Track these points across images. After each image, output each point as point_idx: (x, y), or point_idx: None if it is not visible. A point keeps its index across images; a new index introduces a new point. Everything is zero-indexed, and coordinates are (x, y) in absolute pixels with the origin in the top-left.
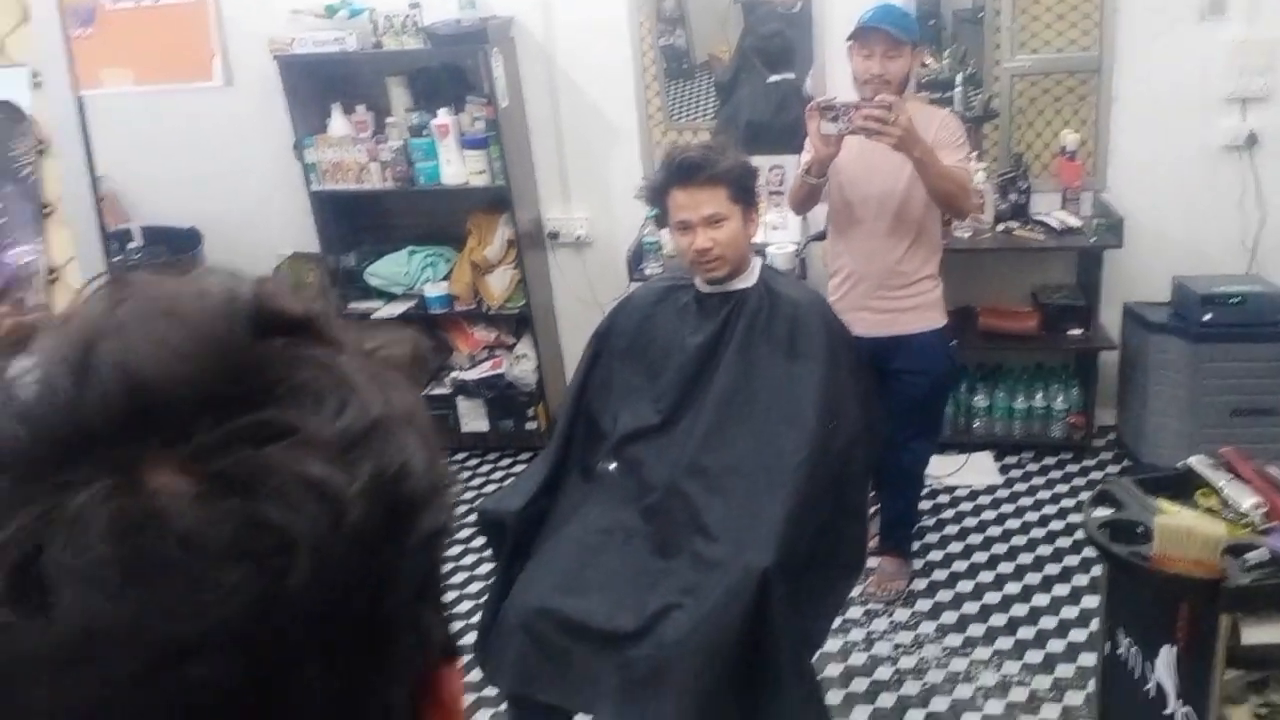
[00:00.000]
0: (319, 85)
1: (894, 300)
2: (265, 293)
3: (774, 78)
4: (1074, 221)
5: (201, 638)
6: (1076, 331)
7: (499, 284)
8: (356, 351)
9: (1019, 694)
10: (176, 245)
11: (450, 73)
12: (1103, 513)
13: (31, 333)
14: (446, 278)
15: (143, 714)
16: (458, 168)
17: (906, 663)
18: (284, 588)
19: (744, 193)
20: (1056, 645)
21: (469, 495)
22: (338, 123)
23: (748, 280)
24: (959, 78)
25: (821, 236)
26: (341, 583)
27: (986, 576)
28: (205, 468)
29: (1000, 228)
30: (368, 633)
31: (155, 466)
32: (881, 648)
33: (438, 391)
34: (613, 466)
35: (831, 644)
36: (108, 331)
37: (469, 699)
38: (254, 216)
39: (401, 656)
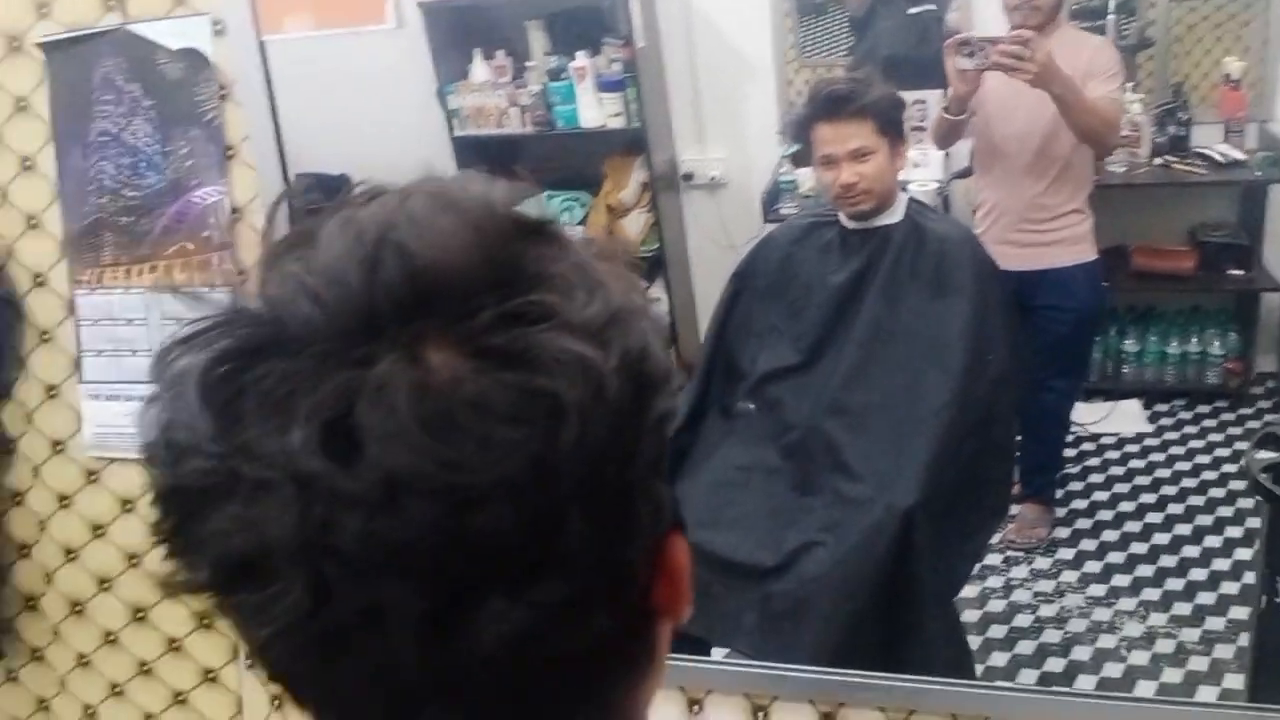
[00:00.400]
0: (460, 31)
1: (1038, 234)
2: (513, 199)
3: (914, 9)
4: (1238, 154)
5: (487, 489)
6: (1237, 272)
7: (633, 227)
8: (585, 253)
9: (1165, 645)
10: (330, 191)
11: (588, 14)
12: (1267, 455)
13: (318, 228)
14: (582, 222)
15: (435, 555)
16: (594, 111)
17: (1047, 611)
18: (555, 448)
19: (891, 125)
20: (1206, 598)
21: None
22: (479, 69)
23: (894, 215)
24: (1111, 4)
25: (966, 173)
26: (600, 448)
27: (1133, 526)
28: (481, 344)
29: (1157, 161)
30: (617, 496)
31: (437, 344)
32: (1021, 595)
33: None
34: (751, 406)
35: (969, 590)
36: (396, 224)
37: None
38: (399, 163)
39: (641, 520)
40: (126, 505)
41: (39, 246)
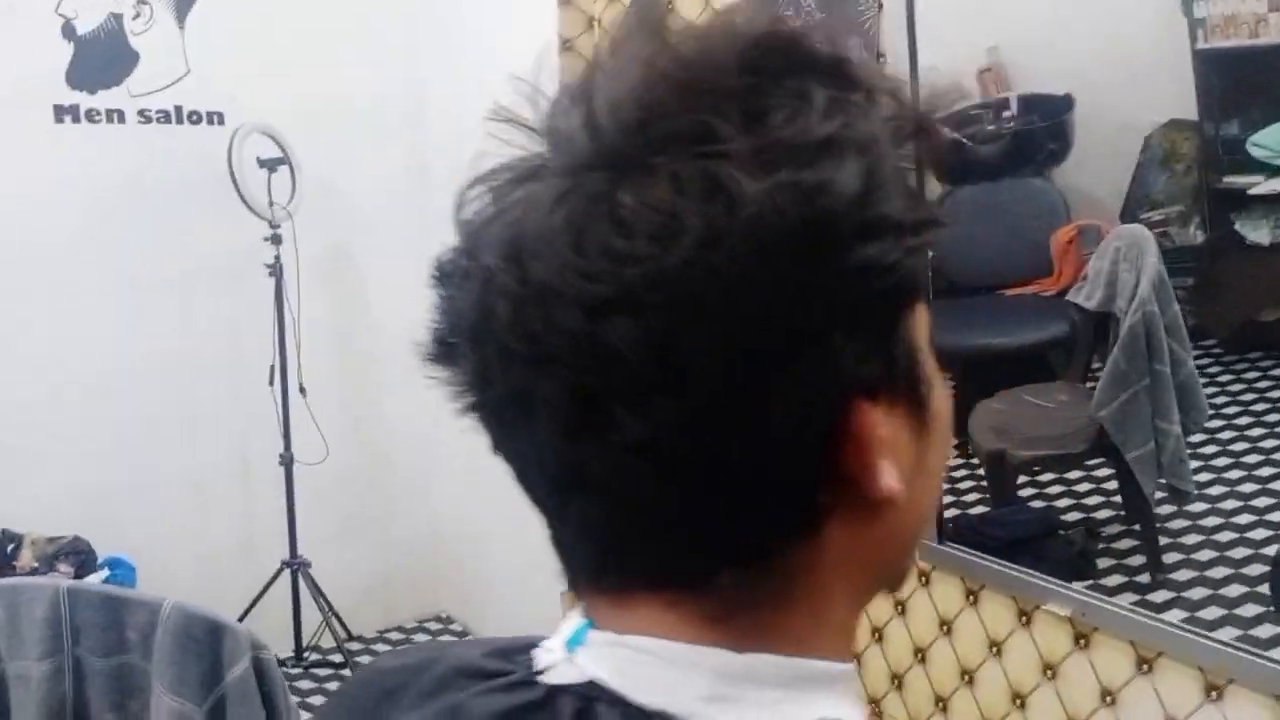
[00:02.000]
0: None
1: None
2: (775, 32)
3: None
4: None
5: (612, 299)
6: None
7: None
8: (872, 98)
9: None
10: (1049, 112)
11: None
12: None
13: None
14: None
15: (571, 356)
16: None
17: None
18: (667, 266)
19: None
20: None
21: None
22: None
23: None
24: None
25: None
26: (734, 273)
27: None
28: (643, 168)
29: None
30: (750, 328)
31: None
32: None
33: None
34: None
35: None
36: (605, 67)
37: None
38: (1130, 80)
39: (787, 363)
40: None
41: None
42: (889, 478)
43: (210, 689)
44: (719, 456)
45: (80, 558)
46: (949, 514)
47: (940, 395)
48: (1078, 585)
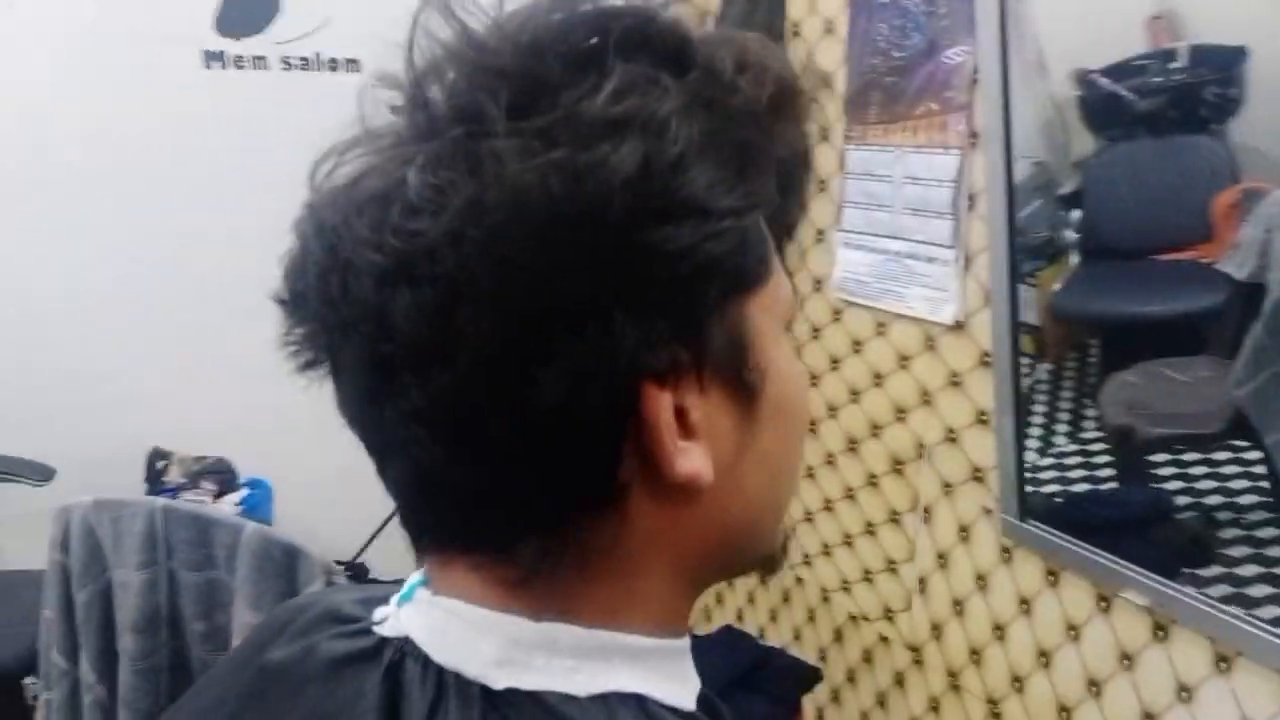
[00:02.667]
0: None
1: None
2: (634, 16)
3: None
4: None
5: (393, 269)
6: None
7: None
8: (711, 79)
9: None
10: (1220, 64)
11: None
12: None
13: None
14: None
15: (368, 321)
16: None
17: None
18: (435, 235)
19: None
20: None
21: None
22: None
23: None
24: None
25: None
26: (499, 249)
27: None
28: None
29: None
30: (515, 303)
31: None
32: None
33: None
34: None
35: None
36: (449, 44)
37: None
38: None
39: (566, 348)
40: (856, 346)
41: (827, 104)
42: (688, 462)
43: None
44: (493, 427)
45: (222, 477)
46: (1049, 489)
47: (785, 386)
48: (1160, 577)
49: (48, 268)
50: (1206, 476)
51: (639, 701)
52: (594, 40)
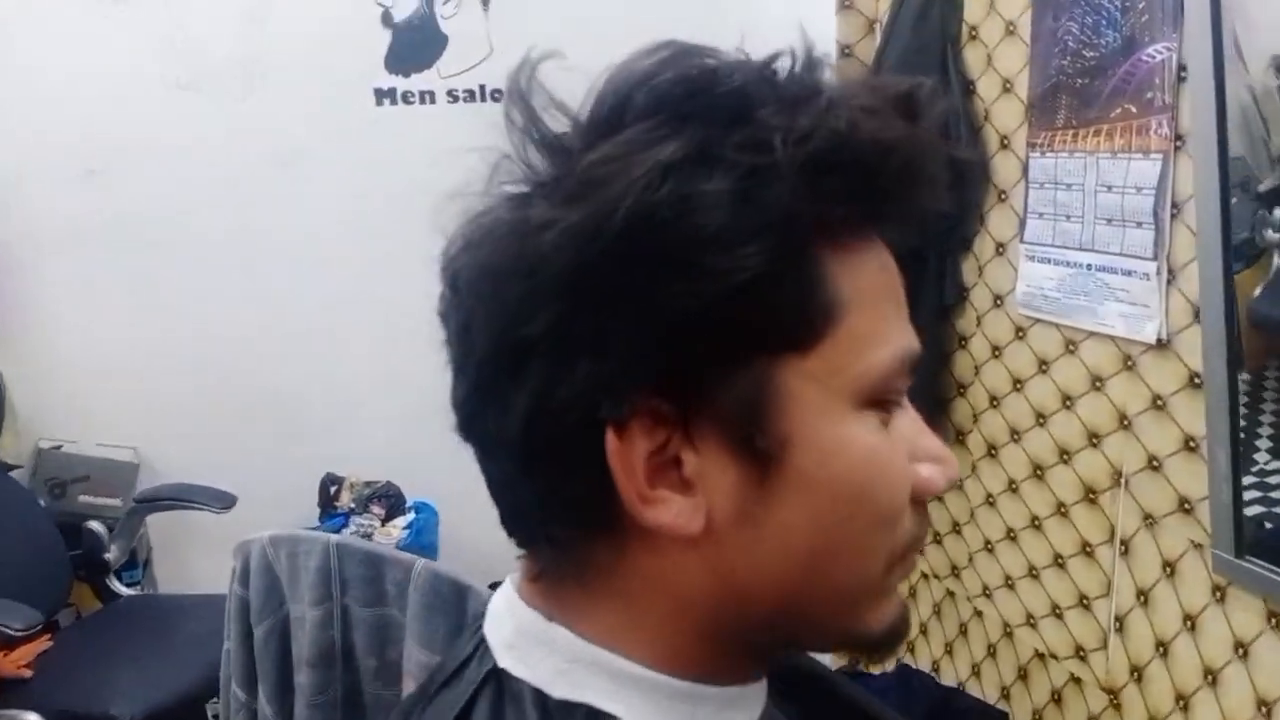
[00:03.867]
0: None
1: None
2: (681, 78)
3: None
4: None
5: (449, 283)
6: None
7: None
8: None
9: None
10: None
11: None
12: None
13: None
14: None
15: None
16: None
17: None
18: (465, 261)
19: None
20: None
21: None
22: None
23: None
24: None
25: None
26: (501, 284)
27: None
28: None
29: None
30: (503, 338)
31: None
32: None
33: None
34: None
35: None
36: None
37: None
38: None
39: (529, 382)
40: (1043, 365)
41: (1009, 109)
42: (660, 512)
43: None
44: (495, 434)
45: (391, 500)
46: (1252, 513)
47: (832, 465)
48: None
49: (225, 303)
50: None
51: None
52: (615, 104)
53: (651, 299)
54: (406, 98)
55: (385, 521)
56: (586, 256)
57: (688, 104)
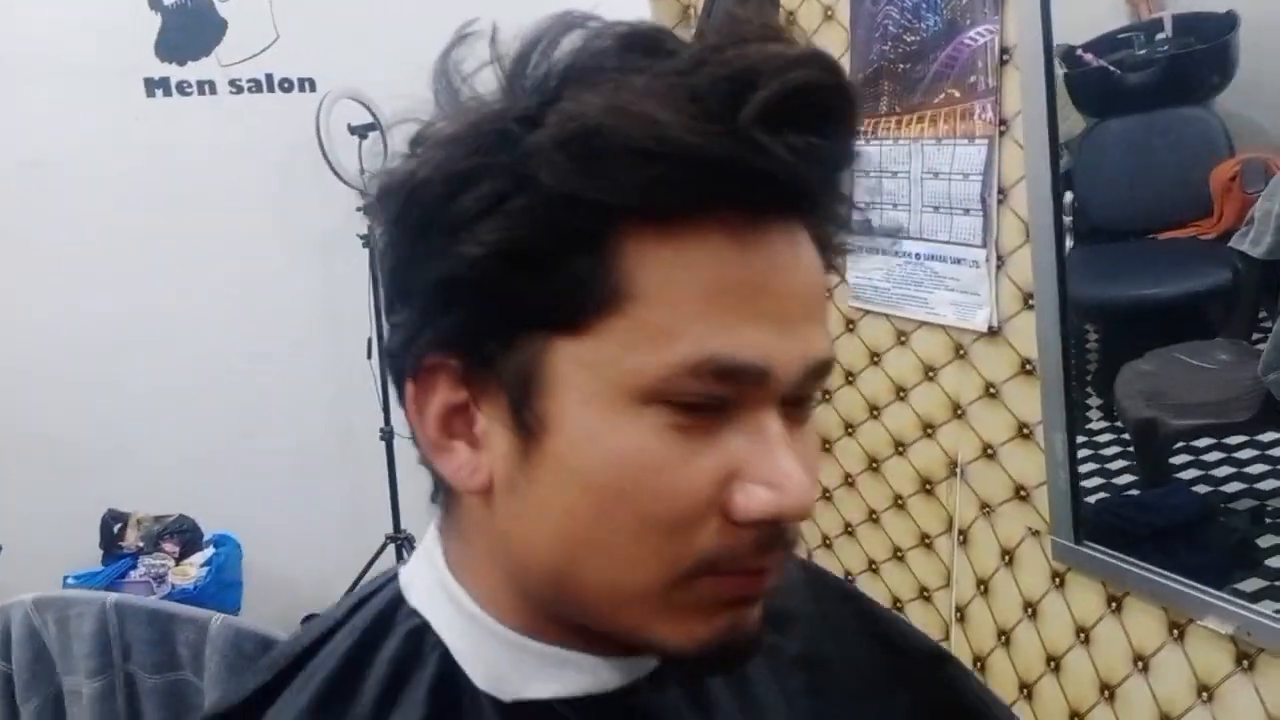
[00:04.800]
0: None
1: None
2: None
3: None
4: None
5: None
6: None
7: None
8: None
9: None
10: (1209, 33)
11: None
12: None
13: None
14: None
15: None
16: None
17: None
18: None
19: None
20: None
21: None
22: None
23: None
24: None
25: None
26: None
27: None
28: None
29: None
30: (388, 272)
31: None
32: None
33: None
34: None
35: None
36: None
37: None
38: None
39: (395, 306)
40: (874, 357)
41: None
42: (446, 460)
43: None
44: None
45: (186, 535)
46: (1095, 498)
47: (587, 455)
48: (1243, 600)
49: None
50: (1250, 464)
51: (423, 631)
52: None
53: (428, 261)
54: (183, 88)
55: (180, 559)
56: (393, 214)
57: (513, 78)
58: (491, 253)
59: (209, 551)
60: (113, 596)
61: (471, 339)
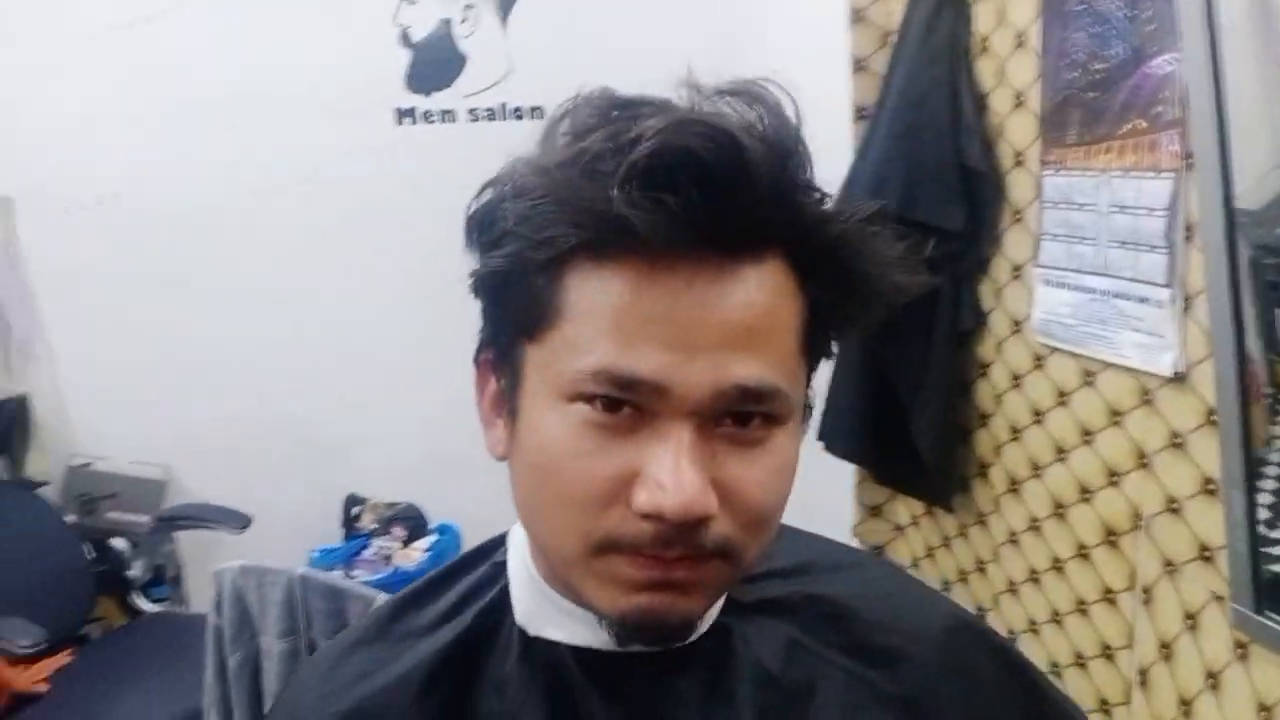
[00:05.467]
0: None
1: None
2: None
3: None
4: None
5: None
6: None
7: None
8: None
9: None
10: None
11: None
12: None
13: None
14: None
15: None
16: None
17: None
18: None
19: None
20: None
21: None
22: None
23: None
24: None
25: None
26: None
27: None
28: None
29: None
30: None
31: None
32: None
33: None
34: None
35: None
36: None
37: None
38: None
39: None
40: (1062, 397)
41: (1023, 124)
42: (488, 433)
43: None
44: None
45: (412, 522)
46: None
47: (530, 440)
48: None
49: (249, 326)
50: None
51: (502, 566)
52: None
53: (477, 273)
54: (427, 117)
55: (407, 543)
56: (471, 230)
57: (561, 125)
58: (499, 271)
59: (432, 538)
60: (300, 570)
61: (495, 339)
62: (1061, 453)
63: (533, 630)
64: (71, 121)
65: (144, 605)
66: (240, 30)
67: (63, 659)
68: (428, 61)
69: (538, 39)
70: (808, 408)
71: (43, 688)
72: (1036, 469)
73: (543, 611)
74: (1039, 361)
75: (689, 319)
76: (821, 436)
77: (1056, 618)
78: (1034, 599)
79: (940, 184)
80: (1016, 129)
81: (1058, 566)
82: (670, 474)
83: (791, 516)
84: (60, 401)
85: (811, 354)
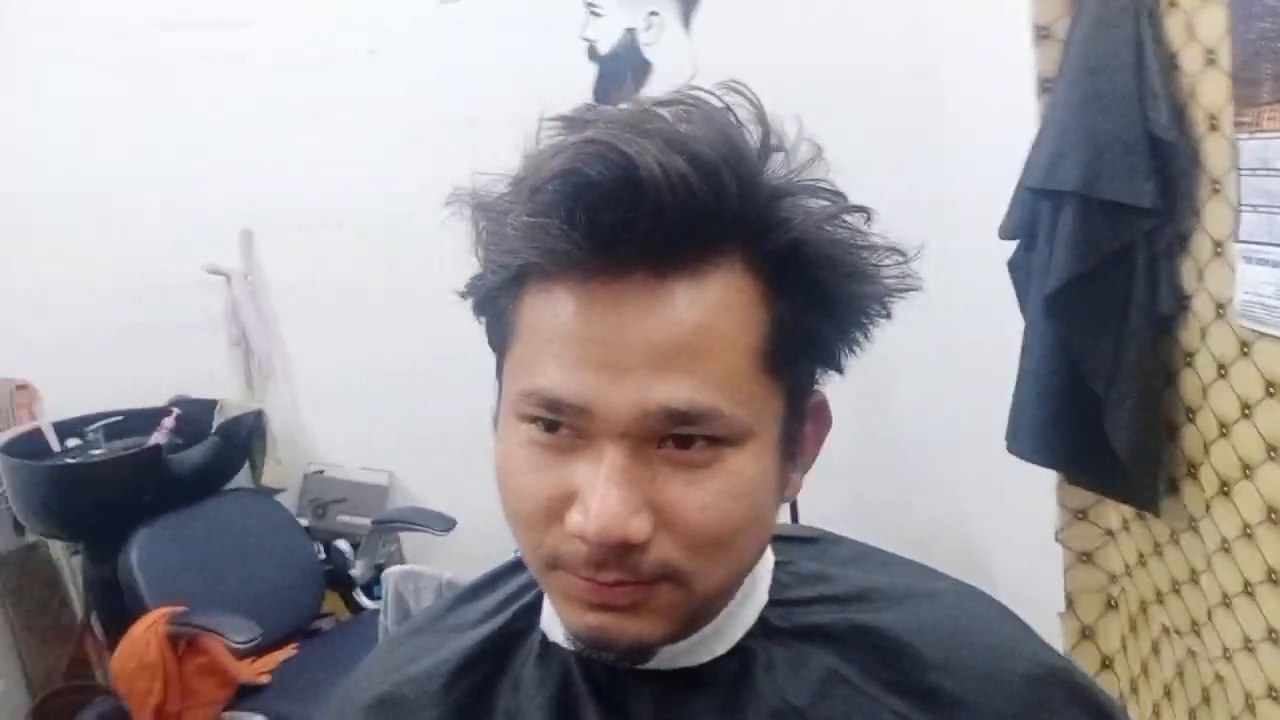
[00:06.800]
0: None
1: None
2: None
3: None
4: None
5: None
6: None
7: None
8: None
9: None
10: None
11: None
12: None
13: None
14: None
15: None
16: None
17: None
18: None
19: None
20: None
21: None
22: None
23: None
24: None
25: None
26: None
27: None
28: None
29: None
30: None
31: None
32: None
33: None
34: None
35: None
36: None
37: None
38: None
39: None
40: (1270, 388)
41: (1215, 84)
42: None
43: None
44: None
45: None
46: None
47: (497, 452)
48: None
49: (468, 333)
50: None
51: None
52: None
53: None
54: None
55: None
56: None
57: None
58: (487, 287)
59: None
60: (448, 574)
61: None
62: (1273, 451)
63: (549, 635)
64: (302, 152)
65: (365, 603)
66: (452, 59)
67: (286, 652)
68: (614, 73)
69: (721, 42)
70: (796, 424)
71: (265, 679)
72: (1248, 469)
73: (556, 617)
74: (1245, 348)
75: (616, 341)
76: (1007, 436)
77: (1273, 636)
78: (1250, 613)
79: (1127, 157)
80: (1208, 89)
81: (1273, 579)
82: (592, 499)
83: (980, 519)
84: (297, 414)
85: (786, 369)
